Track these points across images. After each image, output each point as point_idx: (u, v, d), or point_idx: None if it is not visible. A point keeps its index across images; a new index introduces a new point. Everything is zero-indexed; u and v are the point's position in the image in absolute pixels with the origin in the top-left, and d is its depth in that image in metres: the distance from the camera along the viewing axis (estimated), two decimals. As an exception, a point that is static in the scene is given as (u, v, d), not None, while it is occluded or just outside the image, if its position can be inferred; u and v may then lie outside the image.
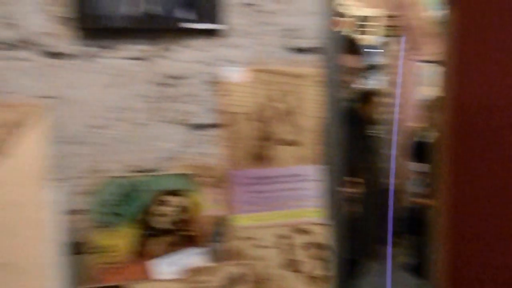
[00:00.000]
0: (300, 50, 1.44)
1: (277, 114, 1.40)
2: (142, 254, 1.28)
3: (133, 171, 1.36)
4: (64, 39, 1.28)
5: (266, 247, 1.36)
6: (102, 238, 1.23)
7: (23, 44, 1.26)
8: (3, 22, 1.23)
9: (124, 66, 1.32)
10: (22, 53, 1.26)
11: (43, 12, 1.26)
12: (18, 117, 0.97)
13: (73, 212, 1.34)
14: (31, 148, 0.98)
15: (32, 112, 0.98)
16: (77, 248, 1.21)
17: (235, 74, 1.37)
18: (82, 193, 1.34)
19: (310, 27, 1.43)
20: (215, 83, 1.38)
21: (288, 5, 1.40)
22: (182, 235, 1.31)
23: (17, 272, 0.94)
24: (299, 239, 1.40)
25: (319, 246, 1.42)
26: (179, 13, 1.31)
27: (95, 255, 1.22)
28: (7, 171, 0.95)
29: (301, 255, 1.40)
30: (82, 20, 1.27)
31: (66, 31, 1.28)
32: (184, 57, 1.36)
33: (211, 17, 1.33)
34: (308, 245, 1.41)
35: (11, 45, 1.25)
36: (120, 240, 1.25)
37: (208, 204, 1.35)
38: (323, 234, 1.43)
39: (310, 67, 1.43)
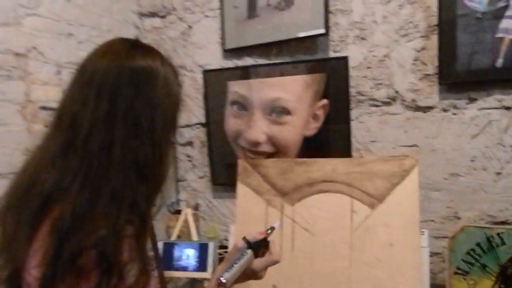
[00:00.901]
0: None
1: None
2: (501, 309, 1.23)
3: (491, 222, 1.35)
4: (427, 94, 1.40)
5: None
6: (457, 285, 1.26)
7: (393, 100, 1.45)
8: (381, 83, 1.46)
9: (486, 116, 1.34)
10: (392, 108, 1.45)
11: (411, 72, 1.42)
12: (397, 169, 1.13)
13: (430, 254, 1.43)
14: (406, 195, 1.12)
15: (407, 164, 1.13)
16: (437, 291, 1.28)
17: None
18: (437, 237, 1.42)
19: None
20: None
21: None
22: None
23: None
24: None
25: None
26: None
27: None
28: (386, 215, 1.12)
29: None
30: (443, 76, 1.36)
31: (428, 87, 1.40)
32: (556, 104, 1.27)
33: None
34: None
35: (384, 102, 1.46)
36: (478, 290, 1.24)
37: None
38: None
39: None
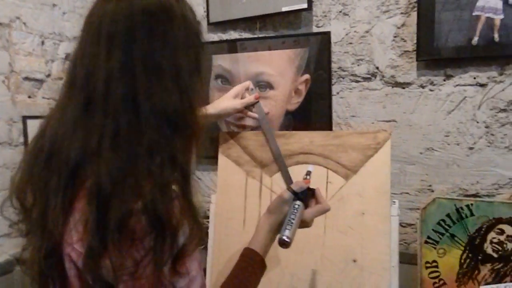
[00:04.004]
0: None
1: None
2: (467, 277, 1.30)
3: (462, 195, 1.40)
4: (405, 70, 1.44)
5: None
6: (428, 254, 1.32)
7: (373, 76, 1.48)
8: (361, 59, 1.49)
9: (461, 93, 1.38)
10: (372, 84, 1.48)
11: (391, 48, 1.44)
12: (371, 142, 1.17)
13: (402, 224, 1.49)
14: (378, 166, 1.16)
15: (381, 137, 1.17)
16: (404, 258, 1.34)
17: None
18: (411, 209, 1.48)
19: None
20: None
21: None
22: (513, 266, 1.26)
23: (363, 269, 1.14)
24: None
25: None
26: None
27: (421, 268, 1.32)
28: (359, 185, 1.17)
29: None
30: (421, 52, 1.39)
31: (407, 63, 1.43)
32: (527, 82, 1.31)
33: None
34: None
35: (365, 78, 1.49)
36: (446, 258, 1.31)
37: (546, 239, 1.25)
38: None
39: None
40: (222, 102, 1.20)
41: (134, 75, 0.61)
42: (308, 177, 1.00)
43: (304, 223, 0.93)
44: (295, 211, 0.88)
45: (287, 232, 0.84)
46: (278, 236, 0.85)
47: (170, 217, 0.58)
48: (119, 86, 0.61)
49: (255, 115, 1.21)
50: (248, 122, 1.64)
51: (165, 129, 0.62)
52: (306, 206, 0.93)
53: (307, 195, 0.94)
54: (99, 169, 0.58)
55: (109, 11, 0.63)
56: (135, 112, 0.61)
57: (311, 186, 0.97)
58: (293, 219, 0.87)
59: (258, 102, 1.18)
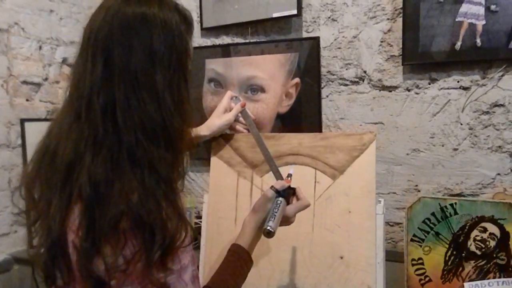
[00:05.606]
0: None
1: None
2: (451, 273, 1.34)
3: (448, 194, 1.45)
4: (392, 74, 1.49)
5: None
6: (414, 251, 1.37)
7: (361, 80, 1.53)
8: (350, 64, 1.53)
9: (445, 95, 1.42)
10: (360, 87, 1.53)
11: (377, 53, 1.49)
12: (357, 143, 1.22)
13: (390, 223, 1.53)
14: (364, 167, 1.21)
15: (366, 139, 1.22)
16: (392, 256, 1.38)
17: None
18: (398, 208, 1.52)
19: None
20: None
21: None
22: (496, 263, 1.31)
23: (349, 265, 1.18)
24: None
25: None
26: (498, 43, 1.32)
27: (408, 265, 1.36)
28: (345, 185, 1.21)
29: None
30: (407, 57, 1.43)
31: (393, 67, 1.48)
32: (508, 85, 1.36)
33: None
34: None
35: (353, 82, 1.54)
36: (431, 256, 1.35)
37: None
38: None
39: None
40: (215, 121, 1.27)
41: (113, 87, 0.64)
42: (289, 178, 1.07)
43: (287, 219, 0.99)
44: (278, 205, 0.96)
45: (270, 223, 0.92)
46: (263, 228, 0.92)
47: (156, 218, 0.62)
48: (100, 97, 0.64)
49: (242, 130, 1.31)
50: (240, 124, 1.68)
51: (142, 138, 0.64)
52: (287, 203, 1.01)
53: (288, 193, 1.02)
54: (82, 175, 0.62)
55: (97, 24, 0.67)
56: (114, 123, 0.64)
57: (292, 186, 1.05)
58: (276, 212, 0.94)
59: (244, 108, 1.25)
